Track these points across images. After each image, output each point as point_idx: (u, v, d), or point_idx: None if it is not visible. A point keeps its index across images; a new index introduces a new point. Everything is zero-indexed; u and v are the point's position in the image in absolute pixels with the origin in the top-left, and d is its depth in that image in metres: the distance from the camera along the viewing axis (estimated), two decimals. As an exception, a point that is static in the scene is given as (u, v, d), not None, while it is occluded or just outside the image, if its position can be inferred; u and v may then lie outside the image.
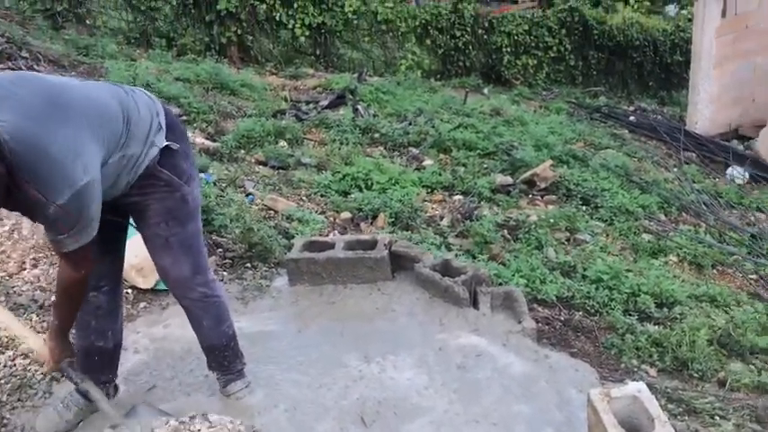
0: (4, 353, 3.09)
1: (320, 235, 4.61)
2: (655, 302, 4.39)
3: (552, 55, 13.63)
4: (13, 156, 1.85)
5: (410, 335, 3.29)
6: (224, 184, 5.34)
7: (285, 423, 2.66)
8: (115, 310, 2.68)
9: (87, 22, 11.00)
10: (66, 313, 2.35)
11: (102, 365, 2.72)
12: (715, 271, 5.69)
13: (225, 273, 3.94)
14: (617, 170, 7.57)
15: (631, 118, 11.40)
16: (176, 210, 2.43)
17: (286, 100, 9.06)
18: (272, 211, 5.11)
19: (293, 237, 4.39)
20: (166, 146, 2.34)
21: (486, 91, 12.06)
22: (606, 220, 6.20)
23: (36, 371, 3.02)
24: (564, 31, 13.63)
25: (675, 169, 8.78)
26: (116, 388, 2.82)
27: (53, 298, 2.43)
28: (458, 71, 13.06)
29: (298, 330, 3.37)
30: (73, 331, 2.56)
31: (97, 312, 2.59)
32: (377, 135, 7.64)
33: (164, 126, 2.34)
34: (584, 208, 6.36)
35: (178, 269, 2.51)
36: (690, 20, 12.37)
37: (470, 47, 13.07)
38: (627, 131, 10.61)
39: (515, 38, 13.30)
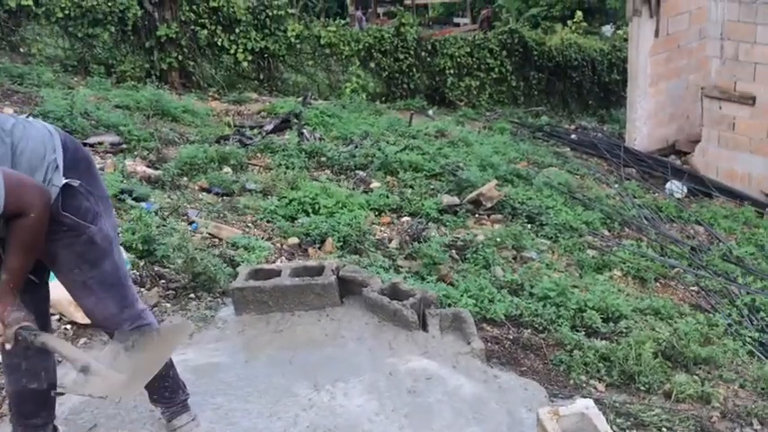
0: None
1: (267, 262, 4.54)
2: (601, 317, 4.45)
3: (494, 76, 13.90)
4: None
5: (360, 360, 3.26)
6: (166, 213, 5.23)
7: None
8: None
9: (21, 50, 10.73)
10: (27, 265, 2.19)
11: (38, 408, 2.58)
12: (658, 284, 5.83)
13: (168, 304, 3.84)
14: (560, 188, 7.71)
15: (573, 136, 11.68)
16: (86, 253, 2.33)
17: (230, 125, 8.98)
18: (216, 239, 5.02)
19: (239, 265, 4.31)
20: (66, 185, 2.23)
21: (430, 113, 12.20)
22: (551, 238, 6.30)
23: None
24: (505, 52, 13.92)
25: (617, 185, 9.00)
26: (55, 429, 2.70)
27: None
28: (402, 93, 13.20)
29: (245, 361, 3.29)
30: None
31: (26, 353, 2.42)
32: (323, 159, 7.62)
33: (60, 164, 2.23)
34: (529, 226, 6.45)
35: (103, 308, 2.43)
36: (625, 40, 12.78)
37: (414, 69, 13.23)
38: (569, 149, 10.86)
39: (458, 60, 13.52)
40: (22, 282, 2.19)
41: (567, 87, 14.71)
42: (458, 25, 26.58)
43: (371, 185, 7.02)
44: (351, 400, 2.95)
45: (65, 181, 2.22)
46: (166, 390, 2.66)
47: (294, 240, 5.32)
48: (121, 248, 2.55)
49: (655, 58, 10.73)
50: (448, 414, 2.84)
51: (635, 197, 8.41)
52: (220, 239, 5.01)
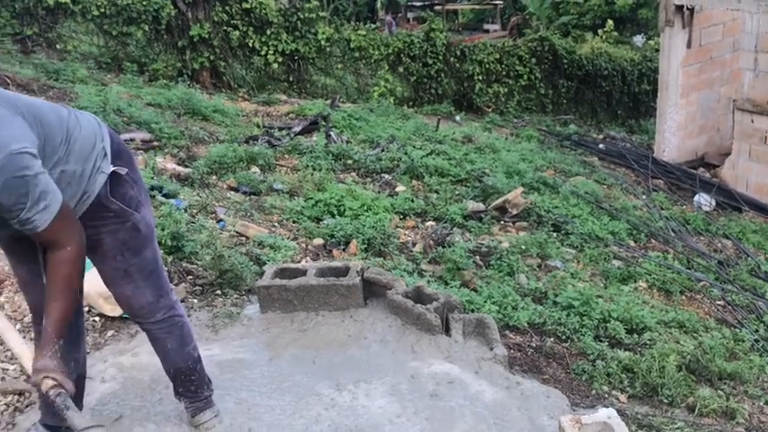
0: (-34, 383, 3.01)
1: (292, 261, 4.58)
2: (625, 328, 4.42)
3: (523, 83, 13.87)
4: None
5: (382, 362, 3.27)
6: (195, 211, 5.30)
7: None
8: (76, 339, 2.60)
9: (58, 46, 10.95)
10: (67, 308, 2.13)
11: None
12: (683, 297, 5.78)
13: (195, 300, 3.89)
14: (587, 197, 7.67)
15: (601, 146, 11.61)
16: (130, 240, 2.38)
17: (258, 126, 9.07)
18: (243, 238, 5.08)
19: (265, 263, 4.36)
20: (114, 173, 2.29)
21: (458, 118, 12.21)
22: (577, 247, 6.27)
23: (-1, 401, 2.94)
24: (534, 60, 13.88)
25: (644, 196, 8.93)
26: None
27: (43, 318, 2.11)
28: (430, 98, 13.22)
29: (269, 358, 3.33)
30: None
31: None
32: (350, 161, 7.67)
33: (108, 152, 2.30)
34: (554, 234, 6.42)
35: (141, 296, 2.48)
36: (657, 50, 12.68)
37: (442, 74, 13.25)
38: (596, 159, 10.80)
39: (487, 66, 13.51)
40: (64, 330, 2.15)
41: (596, 96, 14.64)
42: (487, 32, 26.51)
43: (397, 189, 7.04)
44: (372, 401, 2.97)
45: (113, 168, 2.29)
46: (192, 384, 2.71)
47: (319, 241, 5.36)
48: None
49: (686, 69, 10.63)
50: (469, 419, 2.84)
51: (662, 209, 8.34)
52: (247, 238, 5.07)
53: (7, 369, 3.16)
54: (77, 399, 2.69)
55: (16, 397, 2.99)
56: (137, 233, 2.39)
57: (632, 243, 6.91)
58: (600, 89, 14.47)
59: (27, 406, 2.96)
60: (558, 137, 11.93)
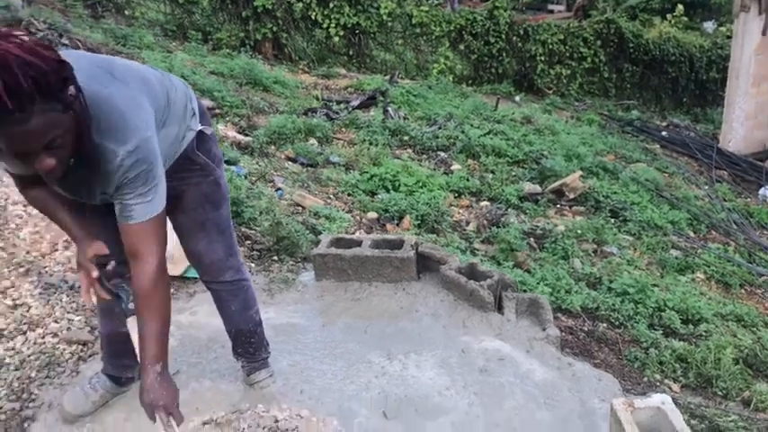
0: (34, 330, 3.15)
1: (347, 233, 4.63)
2: (680, 318, 4.34)
3: (586, 66, 13.56)
4: (84, 109, 1.78)
5: (433, 336, 3.29)
6: (254, 178, 5.39)
7: (308, 410, 2.68)
8: None
9: (126, 12, 11.18)
10: (158, 327, 2.06)
11: (126, 351, 2.70)
12: (743, 291, 5.62)
13: (252, 264, 3.98)
14: (647, 184, 7.50)
15: (664, 133, 11.30)
16: (212, 194, 2.45)
17: (317, 98, 9.12)
18: (299, 208, 5.15)
19: (320, 233, 4.42)
20: (200, 131, 2.36)
21: (517, 99, 12.03)
22: (634, 234, 6.16)
23: (64, 350, 3.08)
24: (599, 42, 13.55)
25: (706, 187, 8.68)
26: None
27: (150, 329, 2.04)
28: (490, 78, 13.05)
29: (322, 325, 3.38)
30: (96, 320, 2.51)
31: (119, 301, 2.43)
32: (406, 137, 7.67)
33: (197, 111, 2.36)
34: (612, 220, 6.32)
35: (213, 252, 2.53)
36: (728, 37, 12.21)
37: (504, 54, 13.05)
38: (658, 146, 10.52)
39: (550, 47, 13.25)
40: (161, 351, 2.07)
41: (661, 82, 14.21)
42: (552, 12, 25.86)
43: (452, 167, 7.02)
44: (422, 372, 3.00)
45: (200, 127, 2.35)
46: (251, 346, 2.78)
47: (373, 215, 5.40)
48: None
49: (759, 58, 10.22)
50: (519, 396, 2.84)
51: (725, 200, 8.09)
52: (303, 208, 5.14)
53: (73, 320, 3.30)
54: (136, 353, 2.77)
55: (80, 347, 3.12)
56: (217, 188, 2.46)
57: (692, 234, 6.74)
58: (666, 75, 14.04)
59: (90, 356, 3.08)
60: (620, 122, 11.65)
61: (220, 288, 2.64)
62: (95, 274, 2.13)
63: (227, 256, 2.56)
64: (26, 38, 1.64)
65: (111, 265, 2.16)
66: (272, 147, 6.55)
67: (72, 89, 1.71)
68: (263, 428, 2.56)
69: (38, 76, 1.56)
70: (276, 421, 2.59)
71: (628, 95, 13.99)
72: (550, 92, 13.24)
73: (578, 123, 10.75)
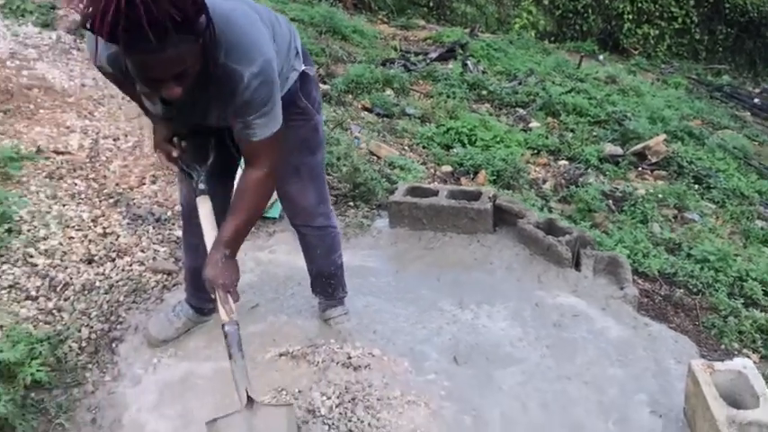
0: (122, 258, 3.30)
1: (422, 184, 4.63)
2: (763, 290, 4.18)
3: (676, 26, 12.95)
4: (213, 35, 1.83)
5: (506, 288, 3.29)
6: (331, 126, 5.43)
7: (380, 349, 2.74)
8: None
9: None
10: (244, 226, 2.17)
11: None
12: (833, 266, 5.35)
13: (329, 209, 4.04)
14: (735, 152, 7.18)
15: (756, 100, 10.74)
16: (310, 139, 2.46)
17: (396, 49, 9.05)
18: (375, 157, 5.17)
19: (395, 183, 4.44)
20: (303, 72, 2.34)
21: (601, 58, 11.63)
22: (718, 202, 5.92)
23: (150, 278, 3.22)
24: (692, 1, 12.88)
25: (799, 158, 8.23)
26: None
27: (232, 222, 2.14)
28: (573, 35, 12.65)
29: (395, 270, 3.42)
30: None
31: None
32: (484, 92, 7.55)
33: (300, 51, 2.34)
34: (695, 187, 6.09)
35: (304, 197, 2.56)
36: (836, -1, 11.42)
37: (590, 10, 12.60)
38: (749, 114, 10.02)
39: (638, 5, 12.70)
40: (236, 246, 2.19)
41: (756, 47, 13.44)
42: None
43: (531, 124, 6.88)
44: (494, 322, 3.01)
45: (304, 68, 2.34)
46: (330, 286, 2.85)
47: (447, 168, 5.37)
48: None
49: None
50: (592, 352, 2.82)
51: (819, 172, 7.66)
52: (379, 157, 5.15)
53: (158, 251, 3.44)
54: None
55: (165, 276, 3.26)
56: (315, 133, 2.47)
57: (780, 205, 6.44)
58: (762, 39, 13.27)
59: (174, 285, 3.22)
60: (709, 87, 11.13)
61: (308, 232, 2.68)
62: (175, 153, 2.26)
63: (317, 202, 2.59)
64: None
65: (183, 145, 2.28)
66: (350, 96, 6.56)
67: (203, 18, 1.75)
68: (337, 363, 2.63)
69: (176, 9, 1.61)
70: (349, 357, 2.66)
71: (719, 59, 13.31)
72: (636, 52, 12.73)
73: (664, 86, 10.32)
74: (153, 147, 2.36)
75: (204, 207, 2.27)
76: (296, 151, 2.44)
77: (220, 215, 2.23)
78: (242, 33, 1.92)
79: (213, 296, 2.13)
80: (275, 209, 3.72)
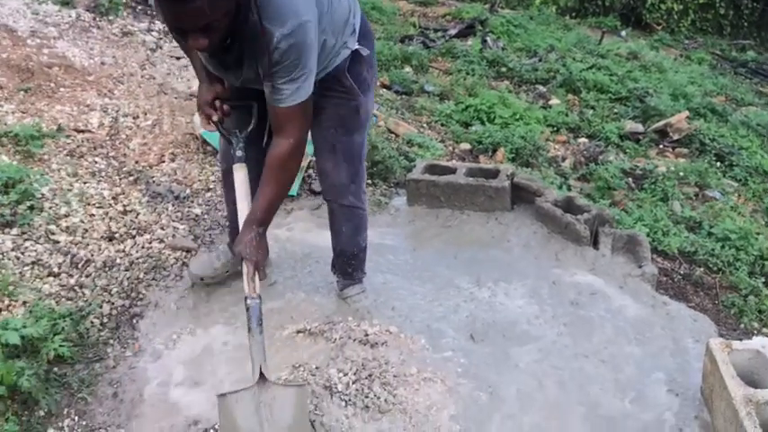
0: (142, 235, 3.34)
1: (440, 161, 4.61)
2: (785, 270, 4.14)
3: (700, 1, 12.68)
4: None
5: (524, 266, 3.28)
6: (350, 103, 5.41)
7: (397, 326, 2.76)
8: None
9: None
10: (275, 197, 2.22)
11: None
12: None
13: (346, 186, 4.04)
14: (759, 129, 7.05)
15: (781, 76, 10.52)
16: (348, 118, 2.46)
17: (414, 26, 8.99)
18: (393, 135, 5.15)
19: (413, 160, 4.43)
20: (356, 51, 2.34)
21: (623, 33, 11.45)
22: (740, 180, 5.84)
23: (169, 255, 3.26)
24: (717, -25, 12.63)
25: (825, 135, 8.08)
26: None
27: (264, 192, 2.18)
28: (595, 10, 12.45)
29: (413, 248, 3.43)
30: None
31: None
32: (504, 69, 7.49)
33: (357, 29, 2.34)
34: (717, 165, 6.00)
35: (337, 175, 2.59)
36: None
37: (612, -15, 12.38)
38: (774, 90, 9.83)
39: (662, -21, 12.47)
40: (268, 218, 2.23)
41: (783, 22, 13.16)
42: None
43: (550, 102, 6.81)
44: (511, 300, 3.01)
45: (356, 46, 2.34)
46: (350, 266, 2.87)
47: (466, 146, 5.35)
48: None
49: None
50: (609, 330, 2.82)
51: None
52: (397, 135, 5.14)
53: (177, 228, 3.47)
54: None
55: (184, 253, 3.29)
56: (356, 115, 2.47)
57: (804, 183, 6.33)
58: (790, 14, 12.99)
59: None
60: (733, 63, 10.91)
61: (336, 209, 2.72)
62: (215, 117, 2.31)
63: (349, 182, 2.62)
64: None
65: (226, 106, 2.31)
66: (368, 73, 6.52)
67: None
68: (354, 340, 2.65)
69: None
70: (366, 335, 2.68)
71: (744, 35, 13.04)
72: (659, 28, 12.50)
73: (687, 62, 10.15)
74: (196, 107, 2.45)
75: (239, 175, 2.31)
76: (332, 129, 2.47)
77: (257, 181, 2.25)
78: None
79: (241, 269, 2.17)
80: (294, 187, 3.74)
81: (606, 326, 2.84)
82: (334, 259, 2.89)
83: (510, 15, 10.03)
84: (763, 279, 3.98)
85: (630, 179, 5.23)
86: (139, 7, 6.15)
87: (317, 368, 2.51)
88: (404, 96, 6.23)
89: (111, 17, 5.70)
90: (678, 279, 3.79)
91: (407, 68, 6.97)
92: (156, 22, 5.92)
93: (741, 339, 3.11)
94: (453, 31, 8.71)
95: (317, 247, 3.25)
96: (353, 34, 2.33)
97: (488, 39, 8.39)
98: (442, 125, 5.73)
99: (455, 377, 2.53)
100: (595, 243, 3.40)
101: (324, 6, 2.11)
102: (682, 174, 5.44)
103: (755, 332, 3.42)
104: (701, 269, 4.00)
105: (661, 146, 6.18)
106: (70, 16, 5.44)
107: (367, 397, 2.38)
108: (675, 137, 6.21)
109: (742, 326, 3.44)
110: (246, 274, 2.13)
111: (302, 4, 1.96)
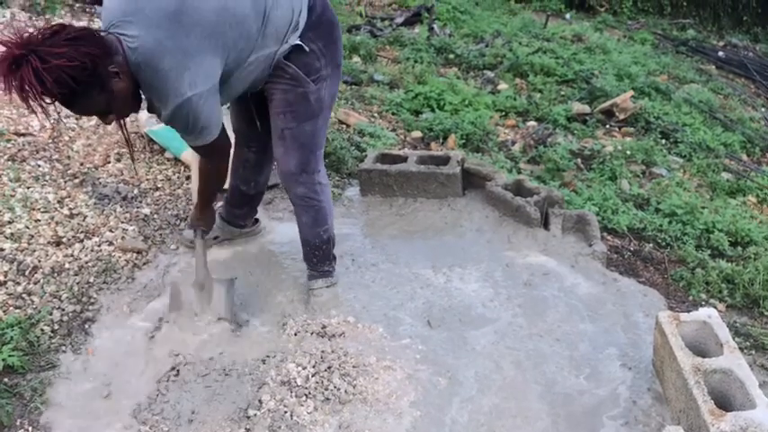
0: (90, 238, 3.27)
1: (392, 150, 4.62)
2: (729, 241, 4.26)
3: (641, -18, 12.91)
4: (137, 70, 2.08)
5: (477, 250, 3.32)
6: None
7: (354, 317, 2.78)
8: (261, 165, 3.02)
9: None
10: (208, 194, 2.70)
11: (242, 203, 3.19)
12: (797, 215, 5.47)
13: (298, 179, 4.02)
14: (700, 105, 7.25)
15: (720, 53, 10.80)
16: (295, 104, 2.50)
17: (361, 15, 8.94)
18: (344, 125, 5.14)
19: (364, 150, 4.42)
20: (297, 46, 2.40)
21: (568, 16, 11.59)
22: (685, 156, 6.00)
23: (120, 257, 3.19)
24: (656, -44, 12.85)
25: (763, 109, 8.35)
26: (256, 221, 3.36)
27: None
28: (540, -6, 12.54)
29: (368, 238, 3.44)
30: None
31: (245, 164, 3.00)
32: (451, 56, 7.51)
33: (301, 25, 2.39)
34: (662, 142, 6.15)
35: (286, 162, 2.63)
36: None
37: (555, -31, 12.48)
38: (713, 67, 10.08)
39: (603, -38, 12.63)
40: (206, 204, 2.74)
41: (720, 0, 13.48)
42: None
43: (499, 87, 6.87)
44: (466, 284, 3.04)
45: (297, 42, 2.40)
46: (315, 257, 2.88)
47: (417, 134, 5.36)
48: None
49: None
50: (562, 309, 2.87)
51: (783, 123, 7.78)
52: (348, 126, 5.12)
53: (127, 230, 3.41)
54: (250, 208, 3.25)
55: (135, 254, 3.23)
56: (305, 102, 2.50)
57: (745, 156, 6.53)
58: (726, -8, 13.30)
59: (144, 263, 3.20)
60: (674, 42, 11.16)
61: (293, 198, 2.77)
62: None
63: (299, 171, 2.63)
64: (71, 33, 1.97)
65: None
66: (316, 64, 6.48)
67: (114, 65, 2.05)
68: (311, 333, 2.65)
69: (74, 77, 1.96)
70: (324, 327, 2.68)
71: (684, 14, 13.32)
72: (602, 10, 12.68)
73: (630, 43, 10.33)
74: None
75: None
76: (281, 114, 2.53)
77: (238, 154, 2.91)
78: (163, 78, 2.11)
79: (193, 235, 2.82)
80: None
81: (559, 305, 2.89)
82: (302, 248, 2.89)
83: (456, 2, 10.05)
84: (709, 251, 4.10)
85: (579, 160, 5.32)
86: (77, 5, 5.99)
87: (276, 364, 2.50)
88: (353, 86, 6.20)
89: (47, 16, 5.53)
90: (628, 256, 3.88)
91: (356, 58, 6.94)
92: (96, 20, 5.77)
93: (689, 311, 3.21)
94: (400, 20, 8.70)
95: (278, 243, 3.25)
96: (296, 31, 2.39)
97: (435, 26, 8.41)
98: (393, 114, 5.73)
99: (414, 364, 2.55)
100: (546, 224, 3.46)
101: (245, 38, 2.25)
102: (629, 152, 5.55)
103: (704, 303, 3.52)
104: (650, 245, 4.10)
105: (608, 126, 6.30)
106: (4, 16, 5.27)
107: (327, 389, 2.39)
108: (621, 117, 6.34)
109: (690, 298, 3.54)
110: (197, 237, 2.77)
111: (186, 82, 2.12)
